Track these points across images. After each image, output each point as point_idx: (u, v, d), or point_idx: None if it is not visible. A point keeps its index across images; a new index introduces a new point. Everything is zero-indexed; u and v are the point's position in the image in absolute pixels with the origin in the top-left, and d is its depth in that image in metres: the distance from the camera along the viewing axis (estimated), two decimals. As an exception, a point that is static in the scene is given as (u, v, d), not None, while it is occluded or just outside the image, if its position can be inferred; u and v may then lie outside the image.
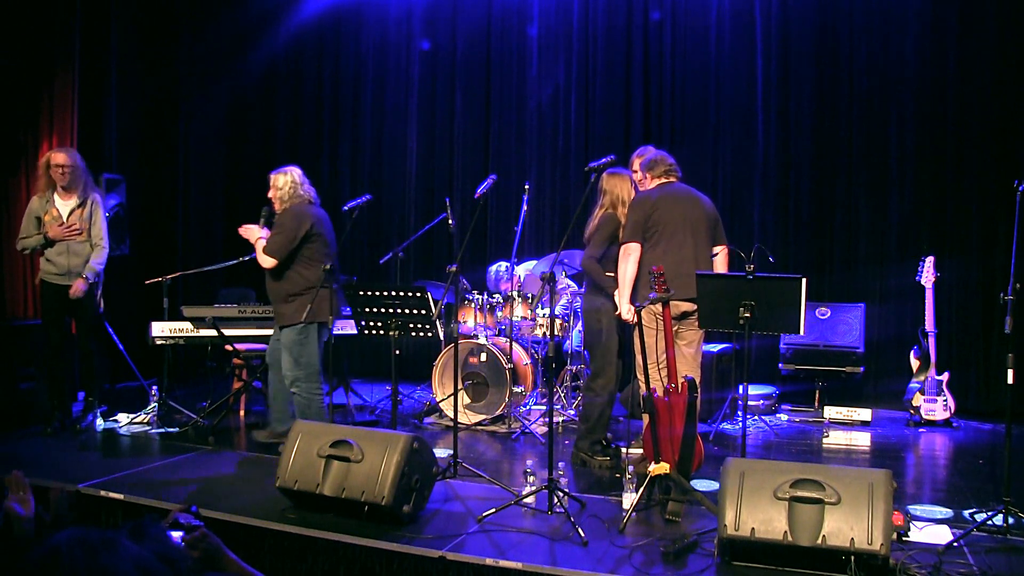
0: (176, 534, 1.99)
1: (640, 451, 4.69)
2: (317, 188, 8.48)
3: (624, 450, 4.93)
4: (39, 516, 2.30)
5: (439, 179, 8.20)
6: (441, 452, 4.88)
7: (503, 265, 6.68)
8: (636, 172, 5.05)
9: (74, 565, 1.32)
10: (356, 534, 3.63)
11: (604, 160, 4.38)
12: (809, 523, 3.26)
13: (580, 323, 6.42)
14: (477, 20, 8.02)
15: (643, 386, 4.30)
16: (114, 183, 6.90)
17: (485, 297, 6.15)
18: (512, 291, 6.18)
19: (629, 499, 4.00)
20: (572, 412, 6.17)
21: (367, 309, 4.71)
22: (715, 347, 6.05)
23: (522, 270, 6.59)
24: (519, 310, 6.10)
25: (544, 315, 6.16)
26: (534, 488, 4.10)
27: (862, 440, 5.78)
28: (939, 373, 6.03)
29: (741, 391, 4.40)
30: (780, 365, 6.56)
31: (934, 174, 6.72)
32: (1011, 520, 3.72)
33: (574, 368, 6.39)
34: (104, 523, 4.13)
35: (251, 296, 6.78)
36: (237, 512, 3.90)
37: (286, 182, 5.13)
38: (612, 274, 4.85)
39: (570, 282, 6.44)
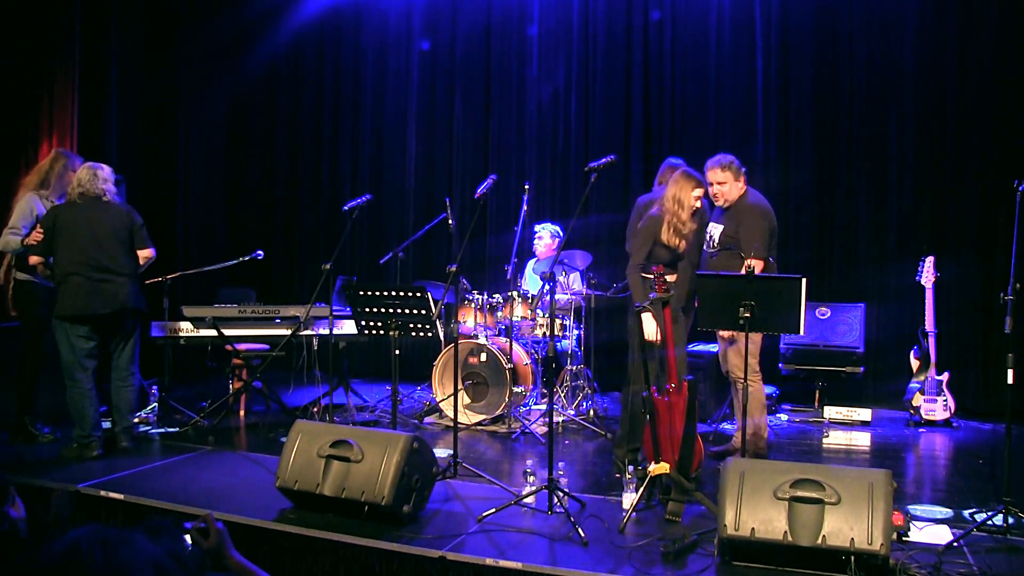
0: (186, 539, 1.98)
1: None
2: (317, 188, 8.64)
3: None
4: (38, 517, 2.30)
5: (439, 179, 8.21)
6: (441, 452, 4.88)
7: (551, 227, 6.81)
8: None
9: (94, 561, 1.32)
10: (356, 534, 3.63)
11: (604, 160, 4.38)
12: (809, 523, 3.26)
13: (579, 323, 6.45)
14: (477, 20, 8.02)
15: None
16: (115, 183, 6.89)
17: (485, 297, 6.16)
18: (518, 290, 6.18)
19: (629, 499, 4.00)
20: (572, 412, 6.17)
21: (367, 309, 4.71)
22: (715, 347, 6.04)
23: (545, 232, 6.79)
24: (519, 310, 6.11)
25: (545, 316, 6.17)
26: (534, 488, 4.10)
27: (862, 440, 5.78)
28: (939, 373, 6.03)
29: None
30: (780, 365, 6.55)
31: (934, 174, 6.72)
32: (1011, 520, 3.72)
33: (574, 368, 6.39)
34: (104, 523, 4.13)
35: (251, 296, 6.78)
36: (237, 512, 3.90)
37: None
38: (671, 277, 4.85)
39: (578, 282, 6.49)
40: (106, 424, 5.64)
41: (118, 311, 5.07)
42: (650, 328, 4.60)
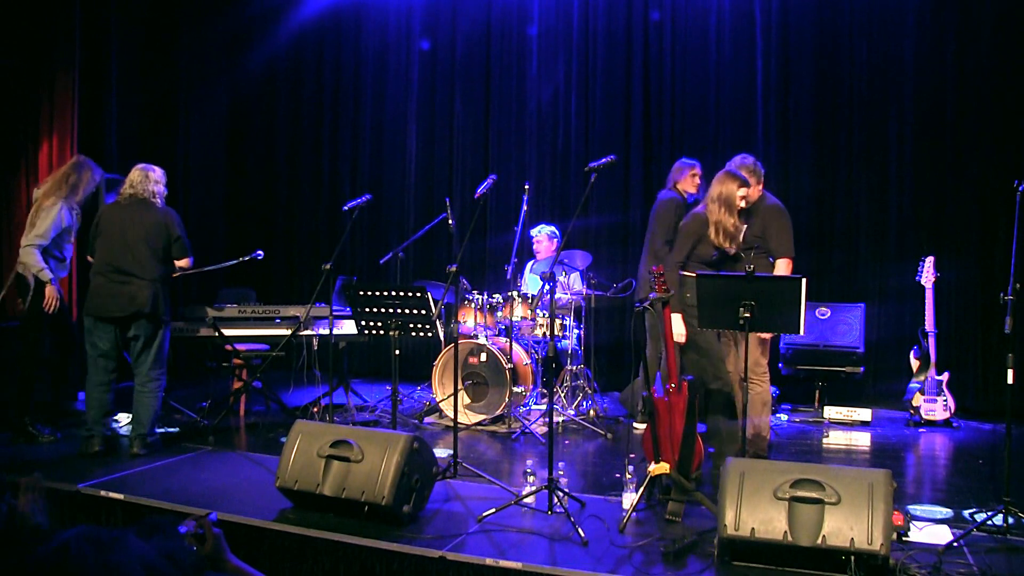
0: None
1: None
2: (317, 188, 8.65)
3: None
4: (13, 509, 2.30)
5: (439, 179, 8.21)
6: (441, 452, 4.88)
7: (547, 228, 6.83)
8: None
9: (84, 562, 1.32)
10: (356, 534, 3.63)
11: (604, 160, 4.38)
12: (809, 523, 3.26)
13: (579, 323, 6.45)
14: (477, 20, 8.02)
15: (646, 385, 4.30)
16: (114, 183, 6.86)
17: (485, 297, 6.16)
18: (522, 289, 6.19)
19: (629, 499, 4.00)
20: (572, 412, 6.17)
21: (367, 309, 4.71)
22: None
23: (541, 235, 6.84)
24: (519, 310, 6.11)
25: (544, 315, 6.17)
26: (534, 488, 4.10)
27: (862, 440, 5.78)
28: (939, 373, 6.03)
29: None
30: (780, 365, 6.55)
31: (934, 174, 6.73)
32: (1011, 520, 3.72)
33: (574, 368, 6.39)
34: (104, 523, 4.13)
35: (251, 296, 6.77)
36: (237, 512, 3.90)
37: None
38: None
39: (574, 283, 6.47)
40: (114, 426, 5.66)
41: (134, 314, 5.03)
42: (678, 329, 4.61)
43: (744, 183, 4.77)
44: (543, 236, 6.79)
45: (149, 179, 5.20)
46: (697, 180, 5.81)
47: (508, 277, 6.46)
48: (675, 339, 4.57)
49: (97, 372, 5.11)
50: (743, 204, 4.78)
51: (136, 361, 5.14)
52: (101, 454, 4.99)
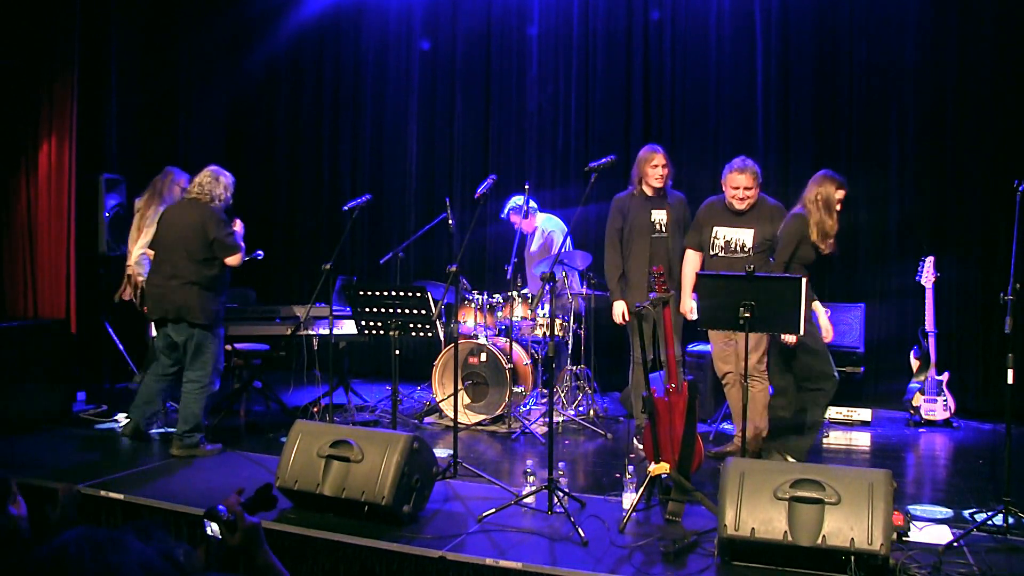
0: (213, 526, 1.97)
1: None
2: (317, 188, 8.65)
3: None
4: (45, 515, 2.31)
5: (439, 179, 8.21)
6: (441, 452, 4.88)
7: (512, 202, 6.63)
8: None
9: (82, 563, 1.32)
10: (356, 534, 3.64)
11: (604, 160, 4.39)
12: (809, 523, 3.26)
13: (579, 321, 6.44)
14: (477, 20, 8.02)
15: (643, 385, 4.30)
16: (114, 183, 6.89)
17: (485, 297, 6.16)
18: (517, 290, 6.18)
19: (629, 499, 4.01)
20: (572, 412, 6.17)
21: (367, 309, 4.71)
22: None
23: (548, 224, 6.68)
24: (519, 310, 6.11)
25: (544, 314, 6.17)
26: (534, 488, 4.10)
27: (862, 440, 5.79)
28: (939, 373, 6.03)
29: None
30: (780, 365, 6.54)
31: (934, 174, 6.72)
32: (1011, 520, 3.72)
33: (574, 368, 6.39)
34: (104, 523, 4.13)
35: (251, 296, 6.77)
36: (237, 512, 3.90)
37: None
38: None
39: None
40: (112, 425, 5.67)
41: (174, 318, 5.01)
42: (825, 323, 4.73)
43: (842, 185, 4.82)
44: (512, 216, 6.52)
45: (218, 183, 5.11)
46: (661, 171, 5.26)
47: (508, 277, 6.45)
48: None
49: (157, 364, 5.30)
50: (840, 207, 4.79)
51: (185, 363, 5.15)
52: (128, 440, 5.19)
